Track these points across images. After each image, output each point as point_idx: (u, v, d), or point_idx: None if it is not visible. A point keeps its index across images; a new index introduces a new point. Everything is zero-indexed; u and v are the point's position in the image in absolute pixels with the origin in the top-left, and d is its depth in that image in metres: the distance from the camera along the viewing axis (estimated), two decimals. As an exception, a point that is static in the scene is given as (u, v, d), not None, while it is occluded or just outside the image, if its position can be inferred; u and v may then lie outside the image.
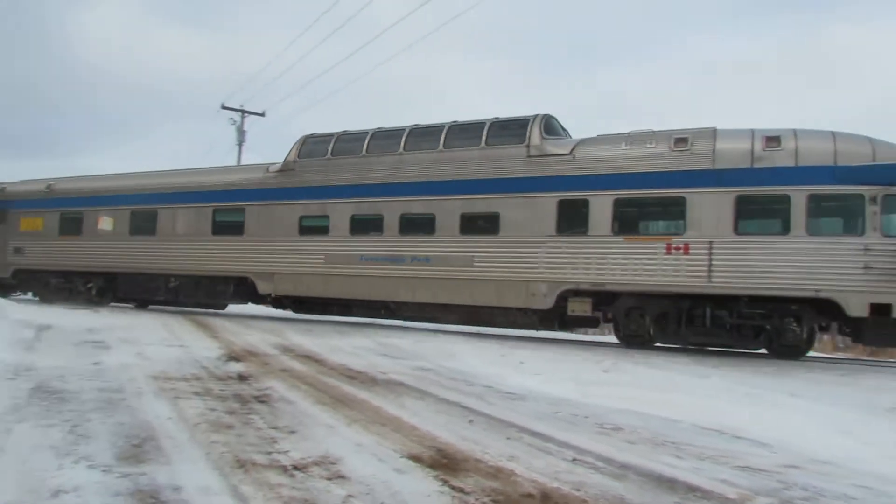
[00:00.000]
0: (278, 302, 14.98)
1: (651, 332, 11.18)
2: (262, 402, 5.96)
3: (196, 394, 6.19)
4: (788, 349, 10.29)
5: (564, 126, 13.17)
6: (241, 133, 28.24)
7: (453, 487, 3.85)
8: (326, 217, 14.07)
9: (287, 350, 9.37)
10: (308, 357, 8.81)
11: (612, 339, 11.86)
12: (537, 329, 12.22)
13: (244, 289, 15.13)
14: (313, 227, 14.19)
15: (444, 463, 4.36)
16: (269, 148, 77.08)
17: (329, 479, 3.97)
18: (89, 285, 17.62)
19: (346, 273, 13.66)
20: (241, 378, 7.14)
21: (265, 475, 3.98)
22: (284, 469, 4.09)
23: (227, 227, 15.45)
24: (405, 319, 13.84)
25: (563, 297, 11.59)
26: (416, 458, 4.42)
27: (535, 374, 7.85)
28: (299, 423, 5.27)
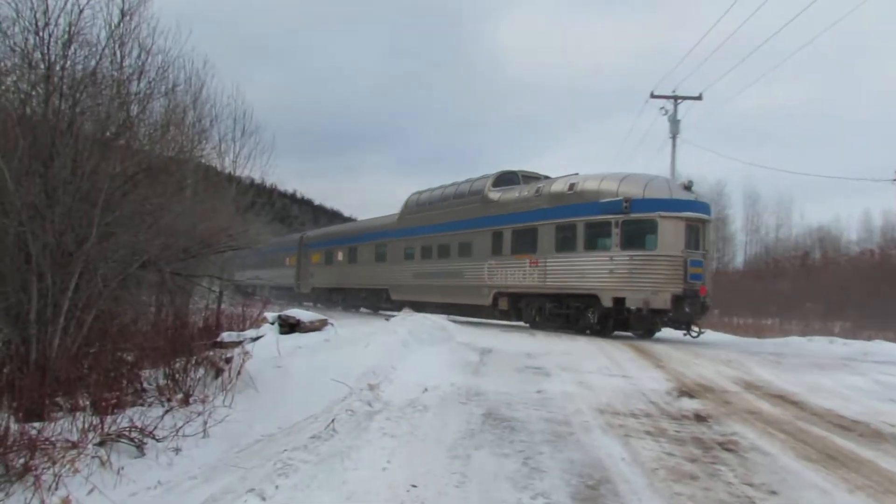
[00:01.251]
0: (398, 304, 25.49)
1: (536, 319, 19.51)
2: (729, 450, 6.16)
3: (648, 433, 6.70)
4: (592, 330, 17.91)
5: (533, 173, 22.93)
6: (674, 123, 28.76)
7: None
8: (413, 248, 26.09)
9: (750, 386, 9.48)
10: (780, 397, 8.76)
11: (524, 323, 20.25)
12: (494, 318, 21.99)
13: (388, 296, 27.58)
14: (408, 255, 26.36)
15: None
16: (709, 135, 75.91)
17: (837, 561, 3.84)
18: (338, 297, 32.39)
19: (420, 284, 25.23)
20: (699, 418, 7.45)
21: (748, 543, 4.05)
22: (773, 539, 4.12)
23: (380, 256, 28.56)
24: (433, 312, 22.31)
25: (496, 297, 21.19)
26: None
27: None
28: (780, 480, 5.25)
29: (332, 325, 13.28)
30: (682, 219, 17.05)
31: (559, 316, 18.90)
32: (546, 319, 19.20)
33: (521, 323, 20.78)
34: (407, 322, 13.13)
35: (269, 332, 12.22)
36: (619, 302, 17.15)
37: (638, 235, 17.47)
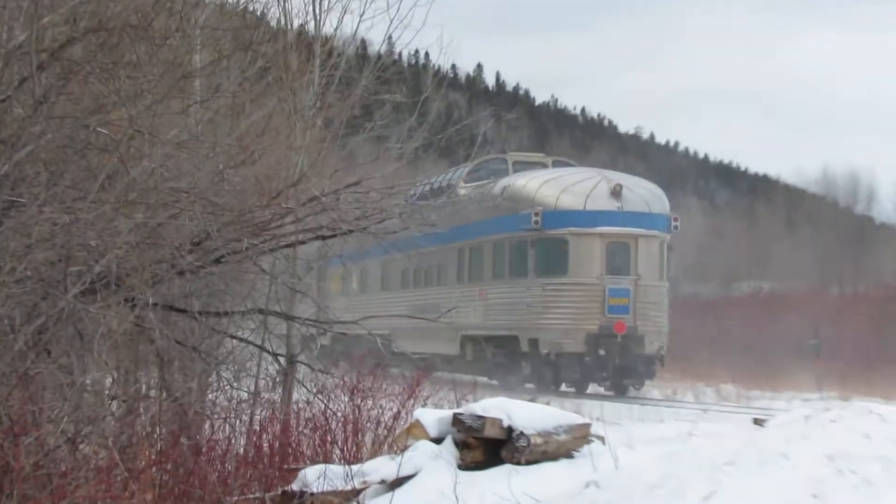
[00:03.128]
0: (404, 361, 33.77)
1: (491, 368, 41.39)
2: None
3: None
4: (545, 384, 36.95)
5: (536, 157, 46.11)
6: None
7: None
8: (408, 268, 46.34)
9: None
10: None
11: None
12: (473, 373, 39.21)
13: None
14: (405, 279, 48.77)
15: None
16: None
17: None
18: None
19: (412, 325, 33.38)
20: None
21: None
22: None
23: (385, 280, 51.05)
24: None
25: (463, 343, 43.03)
26: None
27: None
28: None
29: (596, 440, 13.71)
30: (598, 235, 30.22)
31: (499, 366, 32.48)
32: (492, 369, 32.52)
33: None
34: (815, 428, 12.89)
35: (432, 463, 12.48)
36: (535, 344, 30.64)
37: (551, 258, 31.74)
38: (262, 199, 14.26)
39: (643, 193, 30.84)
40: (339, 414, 15.67)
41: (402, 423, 14.75)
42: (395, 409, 16.12)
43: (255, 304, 16.54)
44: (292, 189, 14.66)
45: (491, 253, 32.19)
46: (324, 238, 15.97)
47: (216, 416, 15.27)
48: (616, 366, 27.59)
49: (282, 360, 17.81)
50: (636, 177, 34.13)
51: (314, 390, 17.64)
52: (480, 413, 12.88)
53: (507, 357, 30.78)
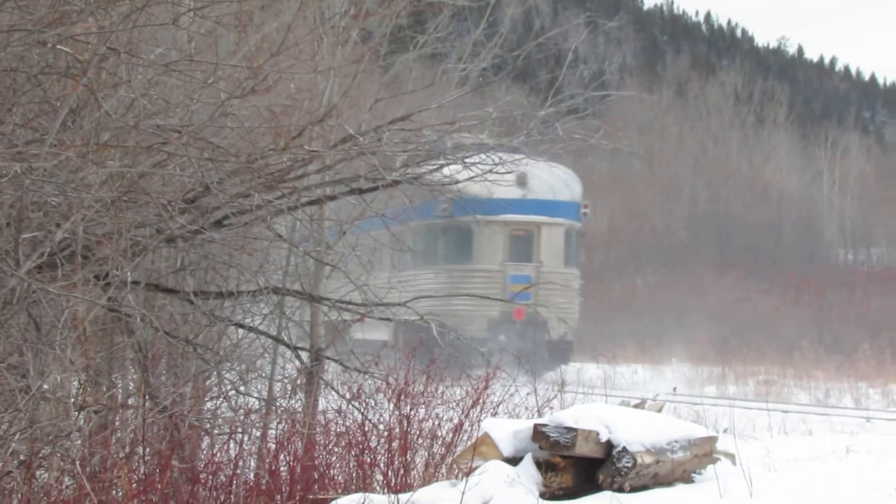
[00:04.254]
0: None
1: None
2: None
3: None
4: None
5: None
6: None
7: None
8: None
9: None
10: None
11: None
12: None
13: None
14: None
15: None
16: None
17: None
18: None
19: None
20: None
21: None
22: None
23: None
24: None
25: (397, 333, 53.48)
26: None
27: None
28: None
29: (724, 458, 14.72)
30: (502, 223, 44.45)
31: (421, 354, 33.14)
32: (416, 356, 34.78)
33: None
34: None
35: (507, 491, 12.76)
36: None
37: (457, 245, 50.41)
38: (279, 139, 14.19)
39: (550, 180, 42.52)
40: (382, 427, 15.66)
41: (465, 437, 14.76)
42: (455, 420, 16.10)
43: (268, 282, 16.52)
44: (318, 126, 14.60)
45: (412, 240, 38.01)
46: (361, 192, 15.93)
47: (218, 431, 15.25)
48: (518, 351, 34.81)
49: (304, 355, 17.76)
50: (548, 163, 40.00)
51: (347, 395, 17.62)
52: (570, 424, 12.83)
53: (425, 343, 34.17)
